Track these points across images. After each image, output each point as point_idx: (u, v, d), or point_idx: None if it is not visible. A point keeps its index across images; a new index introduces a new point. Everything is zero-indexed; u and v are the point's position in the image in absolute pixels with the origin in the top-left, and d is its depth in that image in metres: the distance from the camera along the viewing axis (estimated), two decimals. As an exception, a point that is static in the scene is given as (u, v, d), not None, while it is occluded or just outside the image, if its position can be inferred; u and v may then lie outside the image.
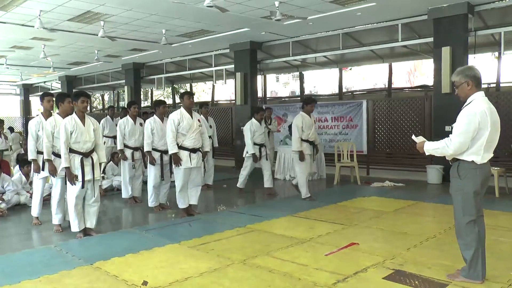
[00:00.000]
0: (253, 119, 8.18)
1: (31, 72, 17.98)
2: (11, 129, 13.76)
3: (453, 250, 4.35)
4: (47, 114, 5.80)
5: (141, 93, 18.86)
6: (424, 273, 3.77)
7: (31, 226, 5.87)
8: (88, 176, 5.19)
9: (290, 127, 10.63)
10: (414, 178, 9.43)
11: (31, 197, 7.15)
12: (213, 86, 18.66)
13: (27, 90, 23.85)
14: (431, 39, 9.40)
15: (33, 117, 6.11)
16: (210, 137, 8.08)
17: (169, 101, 24.90)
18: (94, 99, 24.14)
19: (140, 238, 5.18)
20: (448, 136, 3.51)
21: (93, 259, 4.30)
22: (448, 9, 8.68)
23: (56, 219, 5.59)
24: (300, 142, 7.18)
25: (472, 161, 3.43)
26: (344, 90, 15.38)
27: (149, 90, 22.22)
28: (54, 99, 5.90)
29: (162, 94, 29.68)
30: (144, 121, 7.14)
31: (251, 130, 8.03)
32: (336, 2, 8.42)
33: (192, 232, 5.34)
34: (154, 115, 6.99)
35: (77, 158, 5.17)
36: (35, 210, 5.91)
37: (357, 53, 12.58)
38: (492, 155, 3.52)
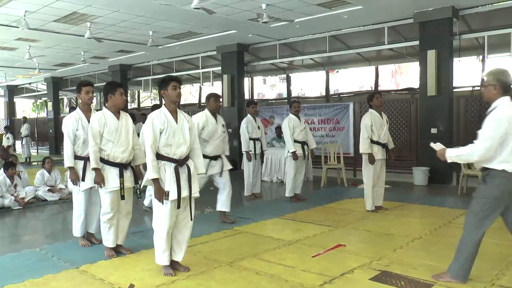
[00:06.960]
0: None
1: (16, 73, 17.76)
2: None
3: (439, 251, 4.41)
4: (85, 109, 4.82)
5: (128, 94, 18.73)
6: (410, 274, 3.80)
7: (16, 229, 5.78)
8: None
9: (277, 128, 10.66)
10: (401, 180, 9.49)
11: (15, 200, 7.08)
12: (200, 88, 18.64)
13: (12, 91, 23.53)
14: (416, 42, 9.50)
15: (68, 114, 5.05)
16: (259, 139, 7.81)
17: (156, 102, 24.77)
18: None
19: (127, 241, 5.13)
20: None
21: (79, 262, 4.26)
22: (433, 13, 8.79)
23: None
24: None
25: (503, 169, 3.30)
26: (331, 92, 15.47)
27: (136, 91, 22.12)
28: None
29: (149, 96, 29.56)
30: None
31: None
32: (323, 5, 8.47)
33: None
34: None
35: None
36: (76, 230, 4.89)
37: (344, 56, 12.66)
38: None
